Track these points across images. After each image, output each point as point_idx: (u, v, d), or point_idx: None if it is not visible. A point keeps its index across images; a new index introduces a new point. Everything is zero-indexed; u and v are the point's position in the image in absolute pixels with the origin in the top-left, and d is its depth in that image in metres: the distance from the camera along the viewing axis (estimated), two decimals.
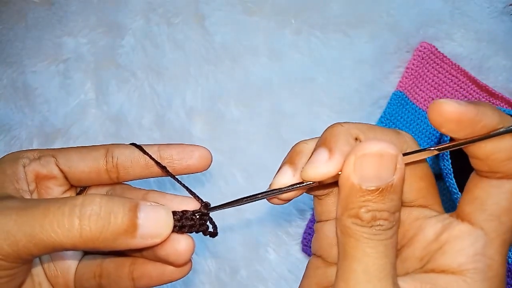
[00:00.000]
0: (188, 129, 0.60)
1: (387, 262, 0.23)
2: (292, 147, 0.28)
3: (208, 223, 0.30)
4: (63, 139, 0.60)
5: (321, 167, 0.25)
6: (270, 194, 0.27)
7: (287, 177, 0.27)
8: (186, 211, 0.29)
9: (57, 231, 0.24)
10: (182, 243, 0.28)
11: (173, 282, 0.56)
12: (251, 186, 0.58)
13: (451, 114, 0.23)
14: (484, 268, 0.24)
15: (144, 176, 0.33)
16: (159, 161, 0.32)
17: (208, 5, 0.62)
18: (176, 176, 0.32)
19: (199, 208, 0.29)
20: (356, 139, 0.26)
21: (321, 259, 0.29)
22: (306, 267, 0.30)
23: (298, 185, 0.27)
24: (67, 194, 0.33)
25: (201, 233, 0.30)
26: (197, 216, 0.29)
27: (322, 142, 0.26)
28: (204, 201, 0.30)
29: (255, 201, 0.28)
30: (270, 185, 0.28)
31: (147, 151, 0.32)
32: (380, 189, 0.23)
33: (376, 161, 0.23)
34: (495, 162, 0.24)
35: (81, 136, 0.61)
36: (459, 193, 0.54)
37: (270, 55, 0.61)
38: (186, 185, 0.31)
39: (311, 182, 0.26)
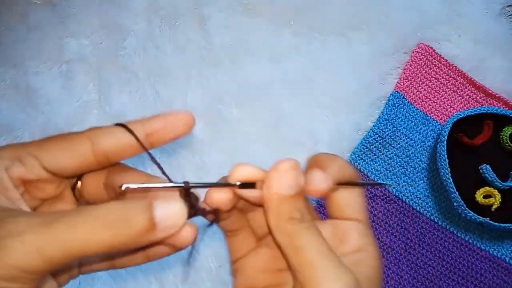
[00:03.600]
0: None
1: (321, 236, 0.29)
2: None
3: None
4: None
5: (249, 168, 0.30)
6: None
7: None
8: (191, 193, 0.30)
9: (89, 243, 0.26)
10: (185, 231, 0.30)
11: (175, 280, 0.56)
12: None
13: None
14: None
15: (134, 154, 0.33)
16: (143, 141, 0.32)
17: (209, 7, 0.63)
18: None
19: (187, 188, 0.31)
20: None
21: None
22: None
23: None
24: (60, 188, 0.33)
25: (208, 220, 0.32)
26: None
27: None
28: (184, 181, 0.31)
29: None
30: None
31: (133, 130, 0.32)
32: (297, 193, 0.30)
33: (288, 174, 0.30)
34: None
35: None
36: (456, 192, 0.54)
37: (270, 56, 0.62)
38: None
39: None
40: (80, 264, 0.34)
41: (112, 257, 0.34)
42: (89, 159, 0.31)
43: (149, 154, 0.32)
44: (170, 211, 0.28)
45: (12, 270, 0.24)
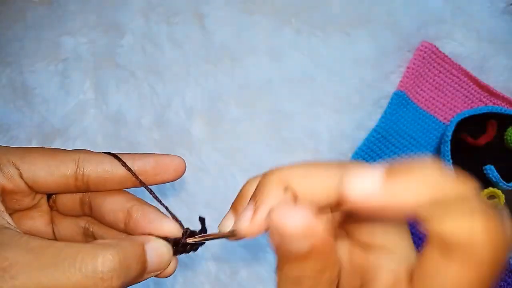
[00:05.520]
0: (187, 129, 0.60)
1: None
2: (242, 186, 0.28)
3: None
4: (62, 139, 0.60)
5: (244, 228, 0.25)
6: (220, 237, 0.28)
7: (229, 224, 0.28)
8: (181, 238, 0.30)
9: None
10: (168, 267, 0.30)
11: (173, 282, 0.56)
12: None
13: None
14: None
15: (115, 188, 0.32)
16: (128, 177, 0.31)
17: (208, 4, 0.62)
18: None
19: (183, 236, 0.31)
20: (287, 188, 0.25)
21: None
22: None
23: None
24: (36, 200, 0.32)
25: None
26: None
27: (253, 195, 0.26)
28: (186, 228, 0.31)
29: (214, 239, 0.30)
30: (218, 226, 0.29)
31: (120, 162, 0.31)
32: (304, 255, 0.22)
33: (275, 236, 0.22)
34: None
35: (80, 136, 0.60)
36: None
37: (270, 54, 0.61)
38: (169, 208, 0.31)
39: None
40: None
41: None
42: (69, 182, 0.30)
43: (148, 188, 0.31)
44: (160, 257, 0.28)
45: None
